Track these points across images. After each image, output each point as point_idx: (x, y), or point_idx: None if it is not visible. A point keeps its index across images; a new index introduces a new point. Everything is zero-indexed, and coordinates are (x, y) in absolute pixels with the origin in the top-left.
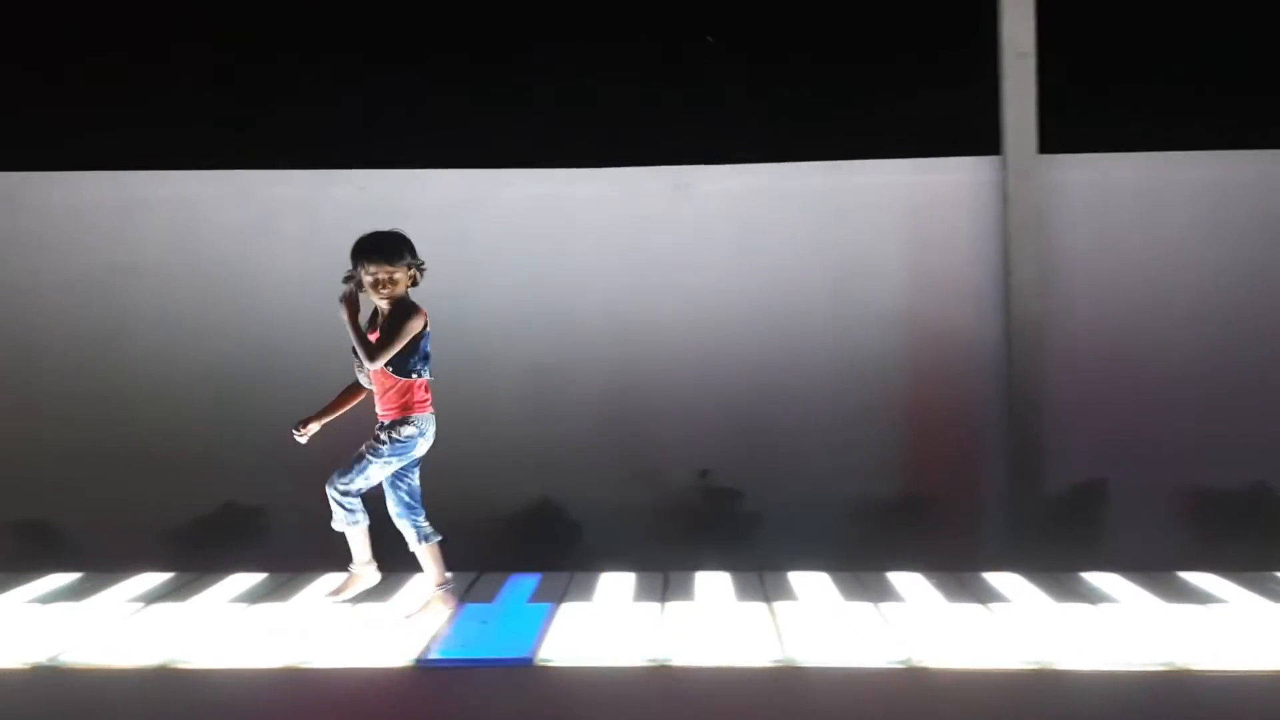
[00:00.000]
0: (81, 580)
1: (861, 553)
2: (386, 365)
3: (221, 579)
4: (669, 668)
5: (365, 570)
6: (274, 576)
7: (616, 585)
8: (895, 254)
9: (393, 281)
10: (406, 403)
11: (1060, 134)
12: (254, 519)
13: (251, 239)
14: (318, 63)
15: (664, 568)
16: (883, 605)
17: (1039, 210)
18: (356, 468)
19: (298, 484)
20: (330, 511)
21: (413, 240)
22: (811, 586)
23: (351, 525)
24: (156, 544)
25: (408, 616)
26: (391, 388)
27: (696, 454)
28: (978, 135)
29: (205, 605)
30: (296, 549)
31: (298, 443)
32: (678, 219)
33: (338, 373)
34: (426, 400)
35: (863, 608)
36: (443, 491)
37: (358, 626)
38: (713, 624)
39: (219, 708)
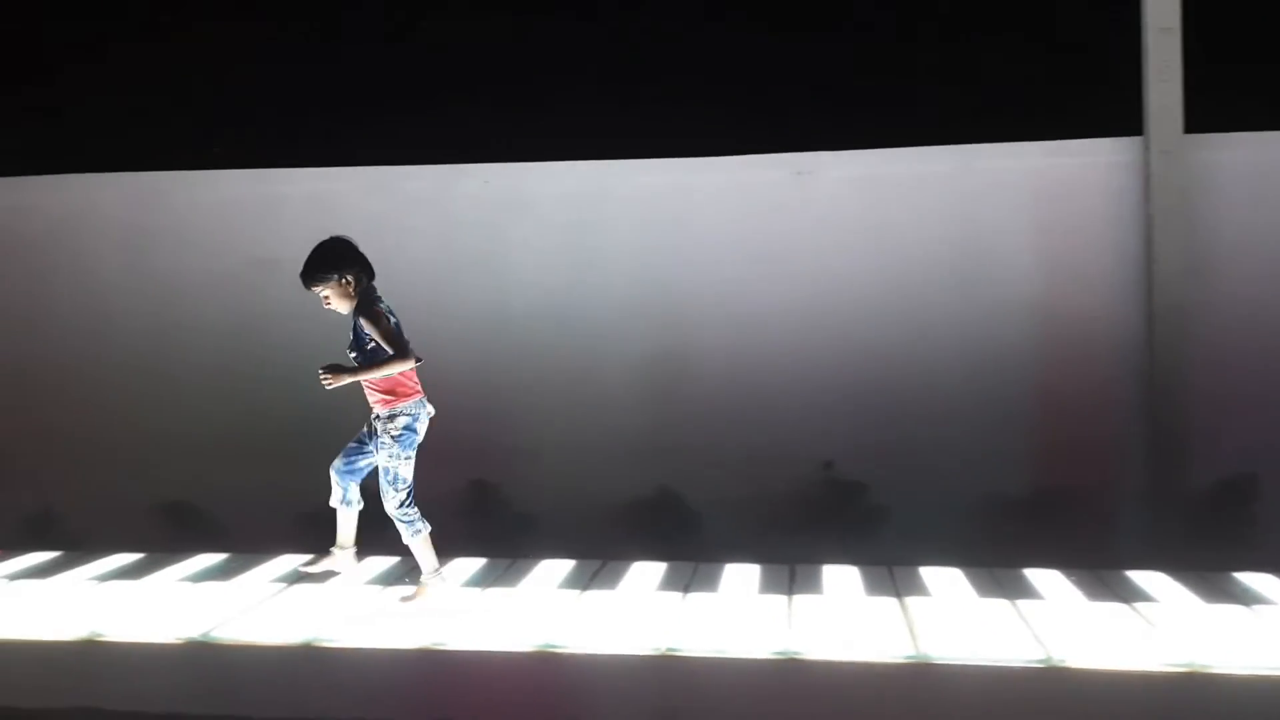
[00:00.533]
0: (226, 561)
1: (995, 548)
2: (360, 358)
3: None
4: (798, 660)
5: (434, 579)
6: (405, 560)
7: (741, 577)
8: (1027, 241)
9: (327, 299)
10: (390, 388)
11: (1207, 112)
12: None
13: (384, 233)
14: (443, 59)
15: (787, 560)
16: (1019, 602)
17: (1184, 193)
18: (390, 482)
19: (426, 468)
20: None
21: (356, 244)
22: (944, 582)
23: (415, 536)
24: (291, 527)
25: (403, 600)
26: (371, 386)
27: (819, 445)
28: (1117, 115)
29: (341, 588)
30: (435, 531)
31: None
32: (798, 206)
33: (468, 361)
34: (412, 385)
35: (999, 604)
36: (560, 479)
37: (488, 611)
38: (842, 618)
39: (357, 687)
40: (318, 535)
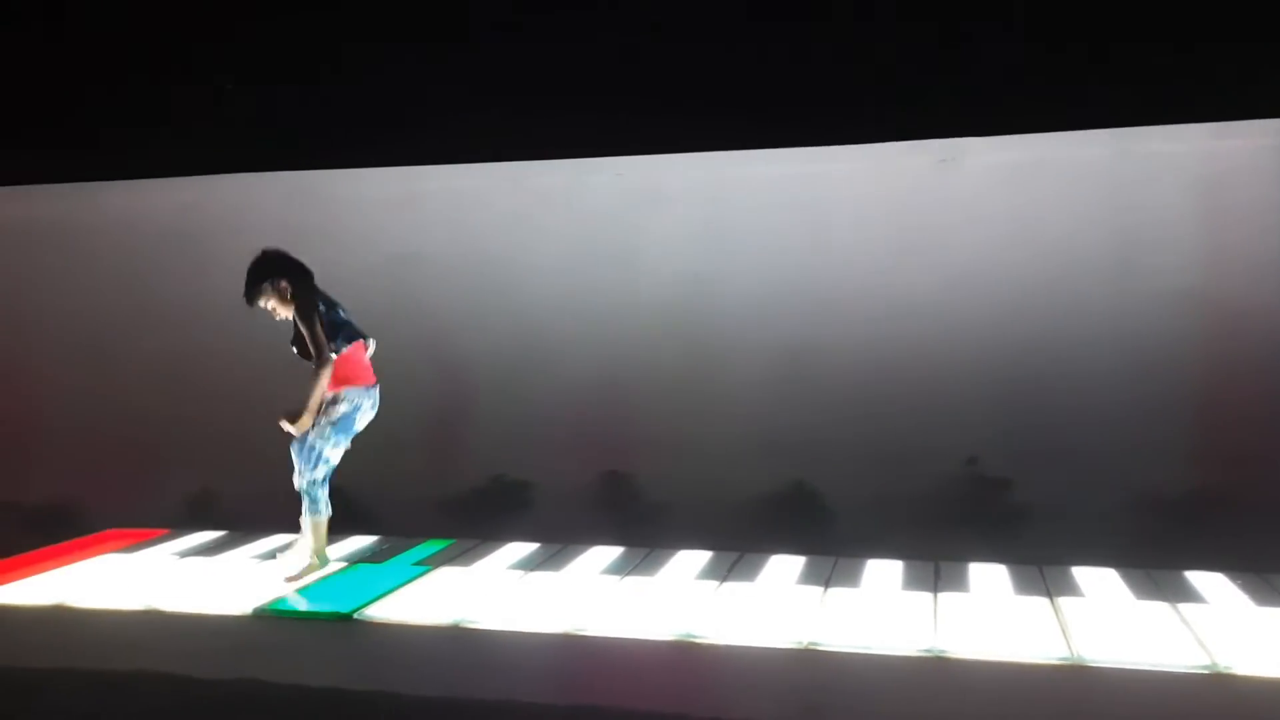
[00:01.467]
0: (375, 543)
1: (1151, 549)
2: (302, 353)
3: (498, 547)
4: (945, 658)
5: (311, 559)
6: (545, 547)
7: (884, 573)
8: (1186, 229)
9: (273, 310)
10: (340, 376)
11: None
12: (522, 492)
13: (520, 227)
14: (572, 51)
15: (926, 556)
16: (1181, 605)
17: None
18: (307, 458)
19: (562, 459)
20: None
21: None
22: (1098, 583)
23: (315, 517)
24: (436, 512)
25: (287, 580)
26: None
27: (962, 440)
28: None
29: (486, 571)
30: (563, 522)
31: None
32: (942, 195)
33: (600, 354)
34: (359, 374)
35: (1158, 607)
36: (695, 471)
37: (628, 599)
38: (991, 617)
39: (503, 668)
40: (460, 519)
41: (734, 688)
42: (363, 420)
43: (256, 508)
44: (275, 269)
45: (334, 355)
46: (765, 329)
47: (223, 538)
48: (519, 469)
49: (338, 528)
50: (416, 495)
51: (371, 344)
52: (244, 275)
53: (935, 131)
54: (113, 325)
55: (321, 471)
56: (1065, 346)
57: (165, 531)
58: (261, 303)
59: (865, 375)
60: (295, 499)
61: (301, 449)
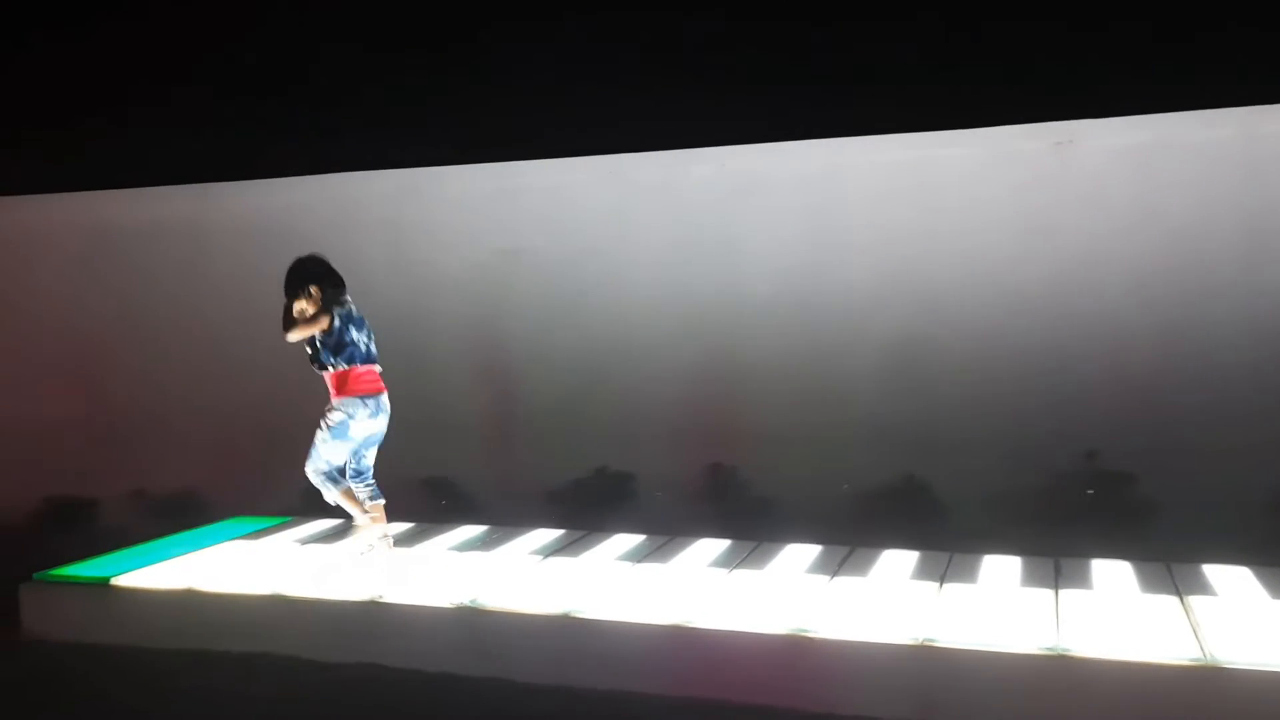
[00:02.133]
0: (487, 533)
1: None
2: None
3: (606, 538)
4: (1069, 657)
5: (366, 522)
6: (652, 539)
7: (1001, 569)
8: None
9: (300, 312)
10: (338, 389)
11: None
12: (625, 484)
13: (620, 219)
14: (673, 42)
15: (1045, 553)
16: None
17: None
18: (311, 452)
19: (666, 451)
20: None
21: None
22: (1231, 581)
23: (333, 494)
24: (542, 503)
25: (361, 555)
26: (326, 380)
27: (1082, 434)
28: None
29: (594, 561)
30: (667, 514)
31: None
32: (1058, 180)
33: (702, 346)
34: (359, 388)
35: None
36: (801, 464)
37: (737, 592)
38: (1116, 615)
39: (614, 659)
40: (565, 511)
41: (846, 683)
42: (362, 428)
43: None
44: (311, 276)
45: (338, 368)
46: (874, 320)
47: (340, 526)
48: (622, 461)
49: (447, 518)
50: (522, 485)
51: (375, 367)
52: (294, 273)
53: (1051, 114)
54: (234, 321)
55: (316, 465)
56: (1191, 336)
57: (288, 519)
58: (297, 303)
59: (979, 366)
60: (412, 489)
61: (313, 448)
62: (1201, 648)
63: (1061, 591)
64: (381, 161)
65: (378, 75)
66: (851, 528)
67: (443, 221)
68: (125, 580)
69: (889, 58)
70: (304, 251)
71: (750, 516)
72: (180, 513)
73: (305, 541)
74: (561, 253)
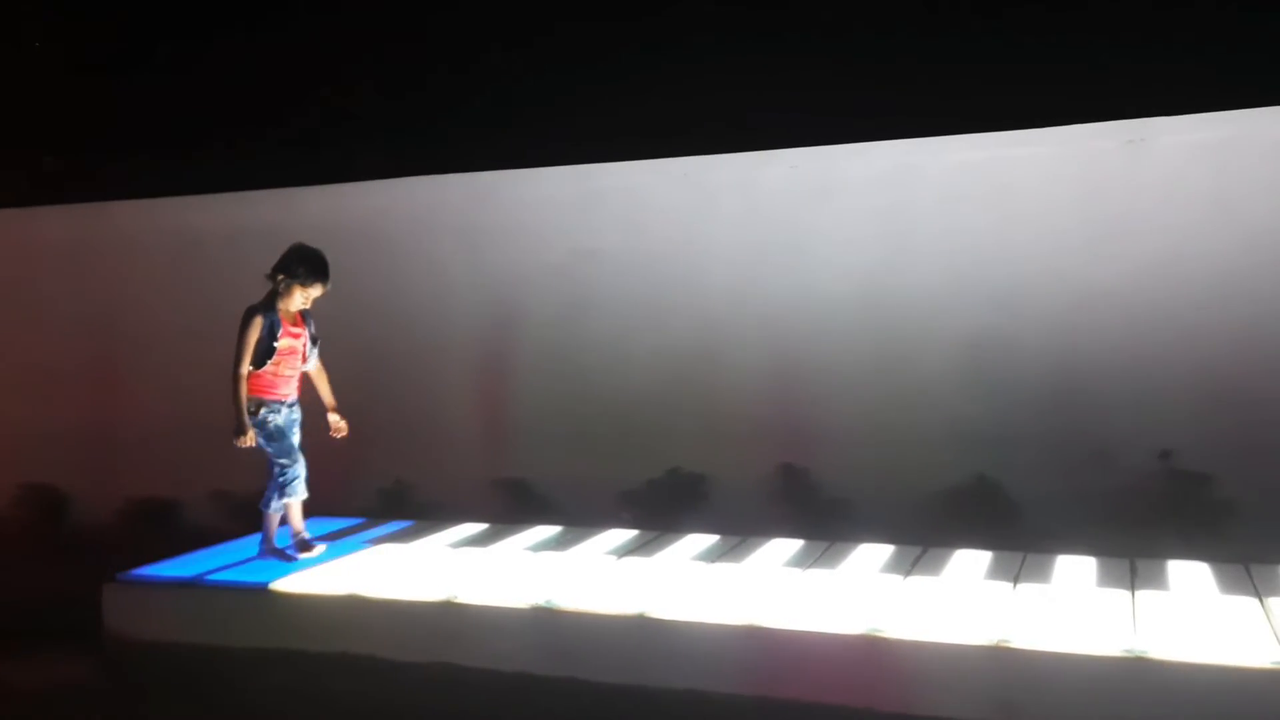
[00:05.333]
0: (561, 533)
1: None
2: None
3: (680, 538)
4: (1147, 659)
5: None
6: (725, 539)
7: (1076, 570)
8: None
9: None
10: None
11: None
12: (698, 485)
13: (695, 221)
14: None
15: (1120, 553)
16: None
17: None
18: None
19: (739, 452)
20: None
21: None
22: None
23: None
24: (616, 504)
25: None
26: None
27: (1156, 433)
28: None
29: (669, 561)
30: (740, 514)
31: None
32: (1133, 178)
33: (774, 348)
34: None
35: None
36: (873, 464)
37: (811, 593)
38: (1194, 617)
39: (689, 658)
40: (639, 512)
41: (922, 683)
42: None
43: (446, 497)
44: (279, 264)
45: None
46: (947, 319)
47: (415, 527)
48: (695, 462)
49: (525, 518)
50: (596, 485)
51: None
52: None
53: (1124, 111)
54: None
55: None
56: (1270, 335)
57: (363, 520)
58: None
59: (1053, 366)
60: (485, 491)
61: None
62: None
63: (1138, 592)
64: (456, 165)
65: (452, 77)
66: (925, 528)
67: (521, 224)
68: (207, 580)
69: (960, 58)
70: (383, 256)
71: (823, 517)
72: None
73: (376, 542)
74: (637, 255)
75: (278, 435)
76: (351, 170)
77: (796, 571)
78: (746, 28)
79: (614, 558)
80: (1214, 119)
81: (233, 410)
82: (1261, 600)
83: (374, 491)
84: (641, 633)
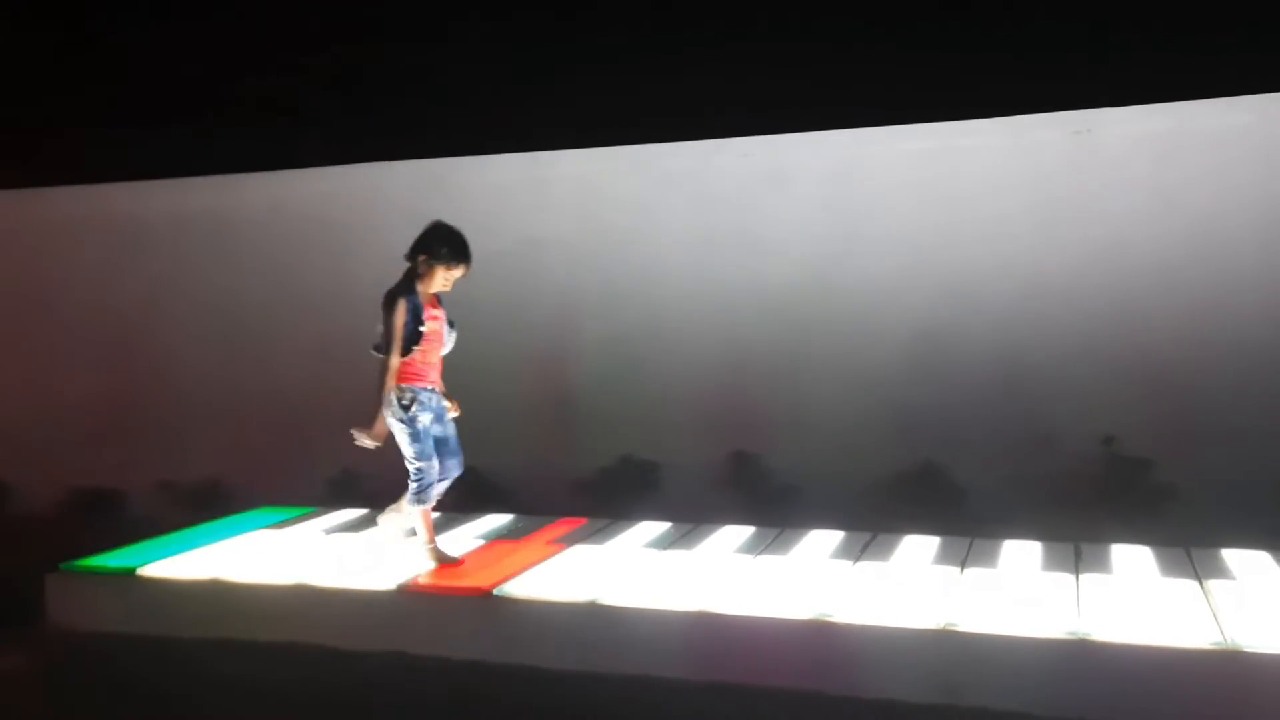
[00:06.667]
0: (512, 521)
1: None
2: None
3: (631, 525)
4: (1090, 641)
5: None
6: (677, 526)
7: (1021, 554)
8: None
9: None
10: None
11: None
12: (650, 472)
13: (646, 209)
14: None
15: (1065, 538)
16: None
17: None
18: None
19: (690, 439)
20: None
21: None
22: (1251, 566)
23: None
24: (568, 491)
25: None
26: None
27: (1099, 420)
28: None
29: (620, 549)
30: (691, 502)
31: None
32: (1078, 168)
33: (725, 336)
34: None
35: None
36: (824, 452)
37: (761, 578)
38: (1136, 600)
39: (640, 645)
40: (591, 500)
41: (870, 666)
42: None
43: (395, 486)
44: (419, 244)
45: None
46: (896, 308)
47: (365, 515)
48: (647, 450)
49: (476, 506)
50: (548, 474)
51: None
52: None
53: (1070, 102)
54: (259, 312)
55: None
56: (1211, 322)
57: (312, 509)
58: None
59: (999, 354)
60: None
61: None
62: (1221, 632)
63: (1082, 576)
64: (404, 152)
65: (402, 64)
66: (875, 514)
67: (469, 211)
68: (151, 570)
69: (909, 48)
70: (328, 239)
71: (774, 503)
72: (207, 504)
73: (330, 531)
74: (588, 243)
75: (422, 436)
76: (296, 156)
77: (747, 558)
78: (699, 16)
79: (565, 545)
80: (1157, 110)
81: (374, 403)
82: (1201, 583)
83: (321, 481)
84: (593, 620)
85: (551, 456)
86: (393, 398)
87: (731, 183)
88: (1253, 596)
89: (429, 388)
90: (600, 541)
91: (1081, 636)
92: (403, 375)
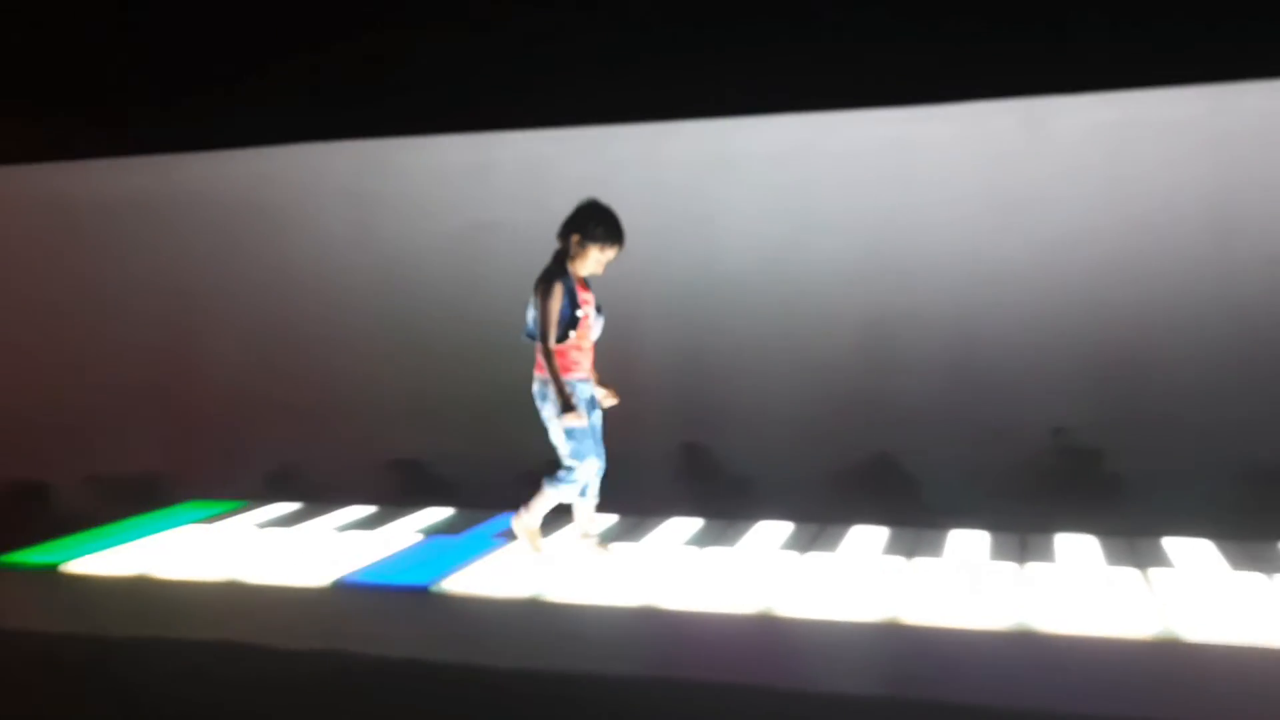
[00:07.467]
0: (454, 515)
1: (1251, 521)
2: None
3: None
4: (1032, 632)
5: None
6: (625, 519)
7: (969, 544)
8: None
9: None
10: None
11: None
12: None
13: (595, 193)
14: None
15: (1017, 529)
16: (1278, 577)
17: None
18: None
19: (639, 430)
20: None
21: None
22: (1192, 555)
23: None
24: (514, 484)
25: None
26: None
27: (1051, 410)
28: None
29: (565, 542)
30: (641, 493)
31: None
32: (1031, 156)
33: (675, 325)
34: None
35: (1254, 579)
36: (775, 443)
37: (709, 572)
38: (1079, 590)
39: (583, 641)
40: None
41: (817, 661)
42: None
43: (335, 480)
44: (572, 223)
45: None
46: (848, 297)
47: (300, 509)
48: None
49: (417, 500)
50: (494, 467)
51: None
52: None
53: (1024, 90)
54: (194, 299)
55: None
56: (1161, 313)
57: (244, 503)
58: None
59: (952, 343)
60: (375, 471)
61: None
62: (1161, 621)
63: (1027, 565)
64: (345, 131)
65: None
66: (827, 505)
67: (415, 193)
68: (76, 566)
69: (862, 34)
70: (267, 227)
71: (725, 495)
72: (139, 498)
73: (264, 526)
74: (537, 228)
75: (578, 435)
76: (232, 136)
77: (695, 550)
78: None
79: (508, 540)
80: (1110, 99)
81: (555, 389)
82: (1144, 572)
83: (258, 474)
84: (535, 616)
85: (498, 448)
86: (549, 391)
87: (682, 168)
88: (1193, 586)
89: (584, 378)
90: (545, 535)
91: (1024, 628)
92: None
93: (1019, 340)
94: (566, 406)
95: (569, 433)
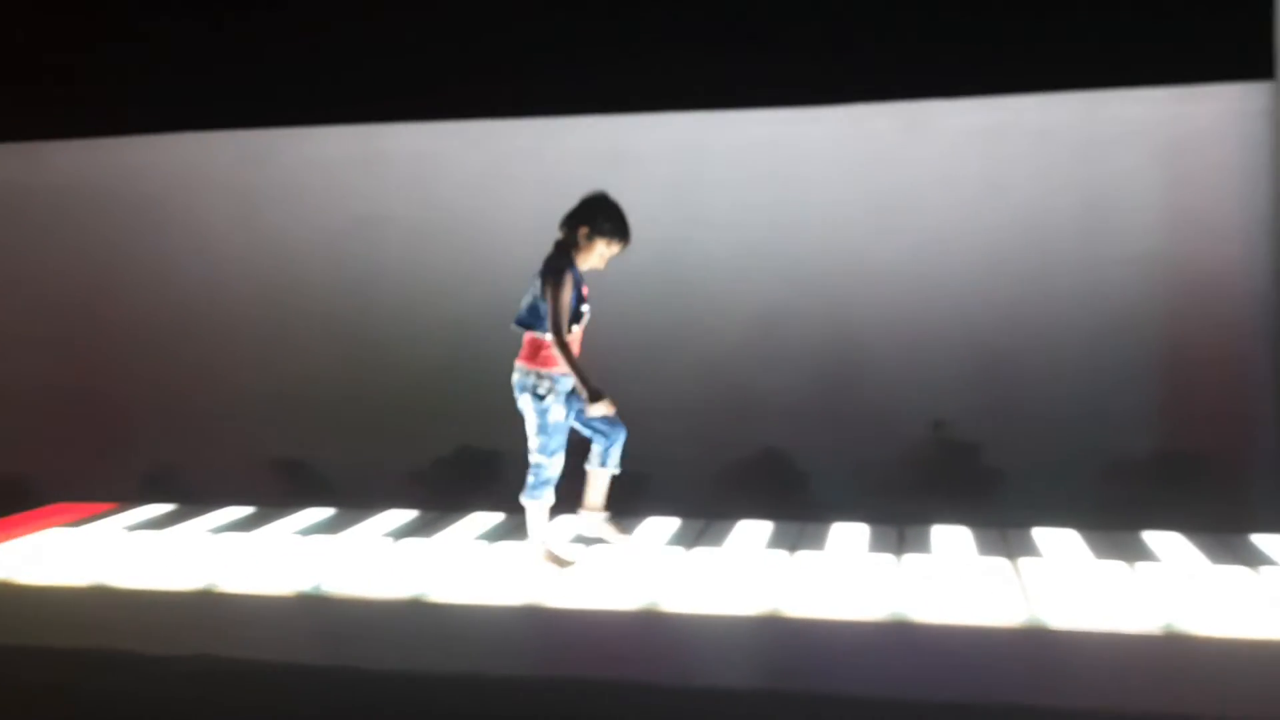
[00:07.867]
0: (336, 515)
1: (1115, 511)
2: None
3: (461, 518)
4: (907, 622)
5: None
6: (511, 517)
7: (849, 537)
8: (1151, 192)
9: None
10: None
11: None
12: (491, 462)
13: (486, 188)
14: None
15: (896, 521)
16: (1139, 565)
17: None
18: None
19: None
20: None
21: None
22: (1059, 544)
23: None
24: (400, 483)
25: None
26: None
27: (930, 405)
28: (1246, 59)
29: (449, 542)
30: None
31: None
32: (911, 157)
33: None
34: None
35: (1116, 568)
36: (663, 439)
37: (594, 568)
38: (952, 580)
39: (466, 641)
40: (426, 491)
41: (699, 655)
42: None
43: (212, 481)
44: (578, 215)
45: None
46: (735, 293)
47: (174, 511)
48: (486, 439)
49: (298, 500)
50: (378, 466)
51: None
52: None
53: (902, 94)
54: (66, 292)
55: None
56: (1033, 310)
57: (114, 505)
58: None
59: (835, 339)
60: (255, 472)
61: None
62: (1029, 609)
63: (904, 557)
64: (225, 121)
65: (220, 26)
66: (715, 500)
67: (301, 186)
68: None
69: (744, 35)
70: (142, 219)
71: (613, 491)
72: (11, 502)
73: (133, 529)
74: (426, 222)
75: (551, 430)
76: (106, 124)
77: (580, 548)
78: None
79: (391, 540)
80: (986, 103)
81: (579, 381)
82: (1013, 561)
83: (133, 475)
84: (417, 617)
85: (382, 446)
86: (530, 381)
87: (573, 164)
88: (1057, 574)
89: (566, 372)
90: (428, 535)
91: (899, 618)
92: (545, 359)
93: (899, 336)
94: (595, 396)
95: (547, 428)
